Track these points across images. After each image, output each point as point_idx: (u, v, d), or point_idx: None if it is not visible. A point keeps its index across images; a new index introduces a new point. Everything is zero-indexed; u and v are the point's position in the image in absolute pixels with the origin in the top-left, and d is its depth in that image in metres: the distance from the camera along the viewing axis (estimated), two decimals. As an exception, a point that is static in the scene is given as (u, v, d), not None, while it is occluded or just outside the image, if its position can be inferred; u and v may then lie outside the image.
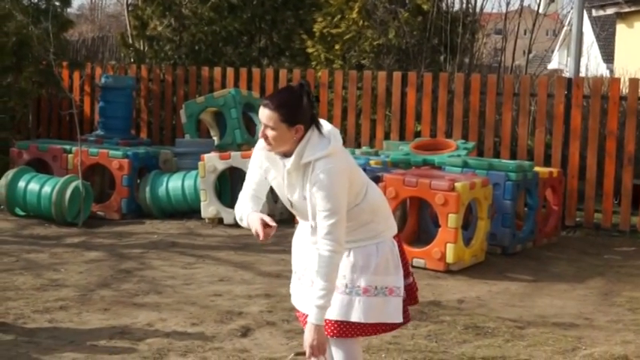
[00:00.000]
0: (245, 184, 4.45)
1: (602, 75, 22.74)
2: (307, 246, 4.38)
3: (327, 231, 4.09)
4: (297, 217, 4.43)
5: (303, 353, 4.20)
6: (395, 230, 4.42)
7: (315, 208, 4.14)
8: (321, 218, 4.10)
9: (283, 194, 4.31)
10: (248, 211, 4.33)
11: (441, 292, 7.85)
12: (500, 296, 7.84)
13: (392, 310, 4.29)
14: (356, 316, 4.24)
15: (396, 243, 4.39)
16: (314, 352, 4.14)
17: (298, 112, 4.15)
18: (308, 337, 4.13)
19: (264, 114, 4.14)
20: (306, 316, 4.28)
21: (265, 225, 4.19)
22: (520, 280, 8.51)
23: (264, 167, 4.35)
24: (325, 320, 4.19)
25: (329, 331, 4.25)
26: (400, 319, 4.32)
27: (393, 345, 6.20)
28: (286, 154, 4.19)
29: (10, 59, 12.24)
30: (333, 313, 4.24)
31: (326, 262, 4.09)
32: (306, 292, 4.33)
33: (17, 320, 6.63)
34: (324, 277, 4.09)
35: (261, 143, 4.26)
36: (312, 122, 4.19)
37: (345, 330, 4.27)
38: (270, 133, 4.14)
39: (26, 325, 6.52)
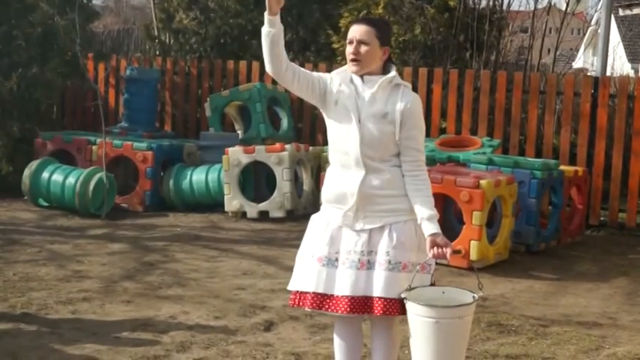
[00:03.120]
0: None
1: (627, 74, 22.60)
2: (344, 228, 4.42)
3: (418, 148, 4.43)
4: (340, 157, 4.46)
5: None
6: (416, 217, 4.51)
7: (391, 127, 4.34)
8: (412, 137, 4.39)
9: (352, 115, 4.38)
10: None
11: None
12: (524, 294, 7.80)
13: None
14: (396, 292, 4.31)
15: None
16: (447, 256, 4.29)
17: (389, 35, 4.50)
18: (444, 243, 4.29)
19: (360, 29, 4.37)
20: (330, 298, 4.36)
21: None
22: (544, 278, 8.46)
23: (326, 83, 4.48)
24: (379, 299, 4.28)
25: (382, 309, 4.30)
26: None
27: (416, 342, 6.17)
28: (369, 75, 4.40)
29: (35, 50, 12.26)
30: (381, 291, 4.29)
31: (425, 180, 4.41)
32: (347, 274, 4.34)
33: (40, 311, 6.64)
34: (429, 191, 4.38)
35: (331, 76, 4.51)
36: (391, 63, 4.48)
37: (391, 307, 4.29)
38: (363, 48, 4.35)
39: (49, 316, 6.53)
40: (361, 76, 4.39)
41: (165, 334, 6.16)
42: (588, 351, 6.20)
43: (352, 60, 4.36)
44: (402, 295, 4.23)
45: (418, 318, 4.17)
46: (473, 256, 8.41)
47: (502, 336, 6.46)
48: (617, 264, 9.20)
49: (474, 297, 4.23)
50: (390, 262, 4.29)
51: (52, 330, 6.21)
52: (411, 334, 4.26)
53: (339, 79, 4.44)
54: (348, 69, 4.43)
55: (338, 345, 4.60)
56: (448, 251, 4.24)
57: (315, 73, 4.51)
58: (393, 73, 4.39)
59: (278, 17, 4.34)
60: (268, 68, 4.43)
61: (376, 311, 4.30)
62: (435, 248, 4.25)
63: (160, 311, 6.75)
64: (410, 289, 4.23)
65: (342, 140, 4.40)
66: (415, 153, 4.38)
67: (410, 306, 4.18)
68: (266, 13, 4.30)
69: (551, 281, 8.37)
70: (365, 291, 4.31)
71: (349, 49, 4.37)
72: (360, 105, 4.36)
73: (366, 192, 4.33)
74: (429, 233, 4.28)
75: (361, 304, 4.31)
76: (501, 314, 7.03)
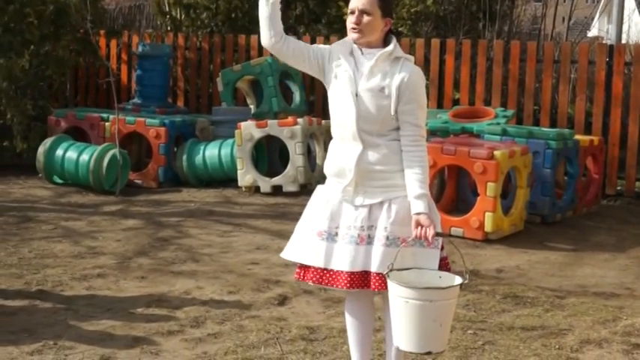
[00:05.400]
0: None
1: (643, 42, 22.42)
2: (344, 203, 4.39)
3: (416, 123, 4.29)
4: (339, 130, 4.42)
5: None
6: None
7: (388, 101, 4.27)
8: (409, 111, 4.29)
9: (349, 89, 4.33)
10: None
11: (480, 261, 7.79)
12: (540, 266, 7.77)
13: (430, 262, 4.31)
14: (397, 266, 4.24)
15: None
16: (429, 237, 4.22)
17: (391, 6, 4.44)
18: (428, 223, 4.20)
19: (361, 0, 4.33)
20: (329, 272, 4.34)
21: None
22: (560, 249, 8.42)
23: (324, 56, 4.43)
24: (376, 275, 4.26)
25: (379, 285, 4.28)
26: (436, 269, 4.34)
27: (431, 314, 6.15)
28: (369, 46, 4.35)
29: (47, 28, 12.23)
30: (377, 267, 4.26)
31: (419, 156, 4.28)
32: (346, 250, 4.31)
33: (55, 288, 6.65)
34: (421, 168, 4.28)
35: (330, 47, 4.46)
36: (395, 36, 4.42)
37: (386, 283, 4.24)
38: (365, 18, 4.31)
39: (64, 293, 6.55)
40: (360, 50, 4.35)
41: (180, 310, 6.17)
42: (605, 322, 6.16)
43: (353, 29, 4.32)
44: (384, 272, 4.20)
45: (391, 295, 4.16)
46: (487, 227, 8.37)
47: (518, 308, 6.43)
48: (634, 234, 9.14)
49: (460, 283, 4.19)
50: (387, 237, 4.26)
51: (67, 306, 6.22)
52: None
53: (339, 52, 4.39)
54: (348, 39, 4.39)
55: (350, 319, 4.58)
56: (430, 232, 4.19)
57: (312, 46, 4.48)
58: (392, 45, 4.32)
59: None
60: (265, 41, 4.41)
61: (373, 286, 4.29)
62: (419, 228, 4.21)
63: (174, 287, 6.75)
64: (392, 266, 4.18)
65: (340, 114, 4.37)
66: (412, 128, 4.28)
67: (388, 282, 4.17)
68: None
69: (567, 252, 8.32)
70: (364, 266, 4.29)
71: (351, 19, 4.32)
72: (358, 79, 4.32)
73: (363, 167, 4.30)
74: (414, 212, 4.23)
75: (360, 279, 4.30)
76: (517, 286, 7.01)
